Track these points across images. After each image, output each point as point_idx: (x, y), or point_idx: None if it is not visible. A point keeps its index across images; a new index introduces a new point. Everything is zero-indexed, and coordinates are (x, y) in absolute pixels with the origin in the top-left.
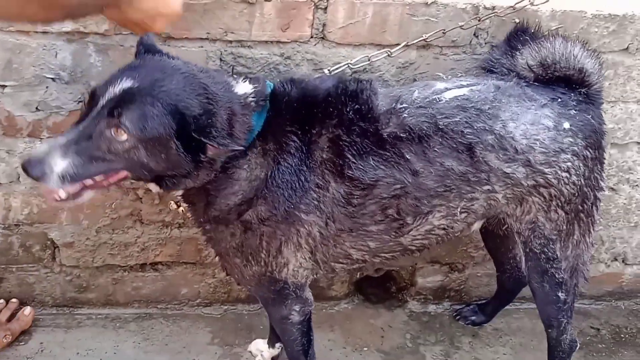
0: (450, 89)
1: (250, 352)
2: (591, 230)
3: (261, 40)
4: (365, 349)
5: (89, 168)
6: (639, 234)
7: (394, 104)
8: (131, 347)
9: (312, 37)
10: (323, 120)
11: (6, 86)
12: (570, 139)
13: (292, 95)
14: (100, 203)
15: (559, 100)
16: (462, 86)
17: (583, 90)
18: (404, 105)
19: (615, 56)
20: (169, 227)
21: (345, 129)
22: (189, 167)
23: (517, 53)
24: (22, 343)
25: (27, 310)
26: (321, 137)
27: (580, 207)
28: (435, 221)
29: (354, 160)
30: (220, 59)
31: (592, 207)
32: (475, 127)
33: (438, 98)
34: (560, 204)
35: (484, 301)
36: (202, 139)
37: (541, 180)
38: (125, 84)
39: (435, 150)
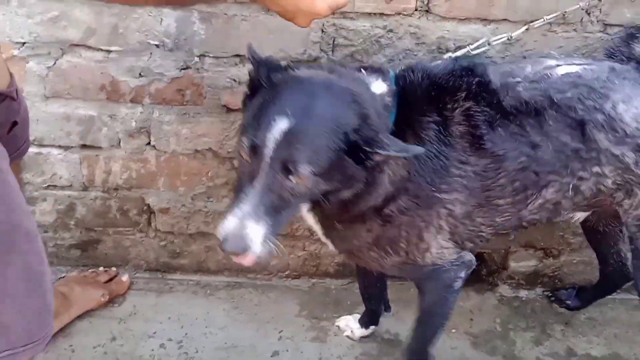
0: (562, 65)
1: (338, 326)
2: None
3: (364, 12)
4: (454, 330)
5: (280, 220)
6: None
7: (508, 78)
8: (221, 314)
9: (416, 9)
10: (453, 95)
11: (111, 51)
12: None
13: (415, 83)
14: (197, 171)
15: None
16: (574, 64)
17: None
18: (518, 79)
19: None
20: None
21: (475, 101)
22: (362, 177)
23: (637, 42)
24: (116, 305)
25: (125, 276)
26: (455, 112)
27: None
28: (548, 195)
29: (487, 131)
30: (322, 31)
31: None
32: (586, 104)
33: (550, 73)
34: None
35: (582, 287)
36: (377, 150)
37: None
38: (281, 125)
39: (551, 124)
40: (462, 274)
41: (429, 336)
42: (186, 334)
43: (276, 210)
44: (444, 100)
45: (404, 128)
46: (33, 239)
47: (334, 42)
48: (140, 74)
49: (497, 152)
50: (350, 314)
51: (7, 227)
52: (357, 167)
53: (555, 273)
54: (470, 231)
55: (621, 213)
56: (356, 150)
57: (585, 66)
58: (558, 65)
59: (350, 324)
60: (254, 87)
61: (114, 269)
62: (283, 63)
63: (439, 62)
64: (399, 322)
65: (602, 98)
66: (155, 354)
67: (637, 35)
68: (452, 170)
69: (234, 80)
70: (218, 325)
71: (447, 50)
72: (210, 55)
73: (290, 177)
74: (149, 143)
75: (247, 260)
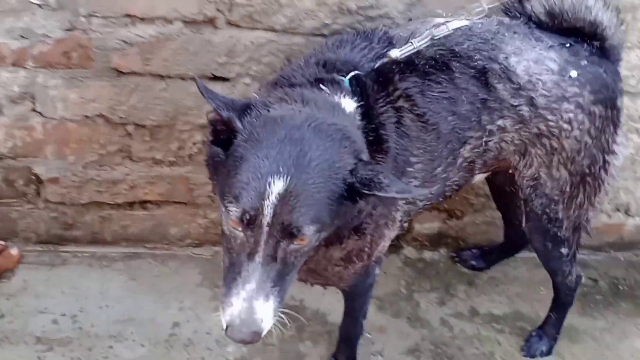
0: (450, 22)
1: None
2: (598, 193)
3: None
4: None
5: (287, 285)
6: None
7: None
8: (118, 286)
9: None
10: (391, 82)
11: None
12: (576, 89)
13: (364, 85)
14: (87, 138)
15: (569, 46)
16: (462, 20)
17: (596, 43)
18: (418, 39)
19: None
20: (159, 164)
21: (405, 77)
22: (355, 212)
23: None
24: (5, 280)
25: (14, 250)
26: (399, 100)
27: (587, 170)
28: (466, 153)
29: (423, 103)
30: None
31: (600, 171)
32: (483, 54)
33: (443, 29)
34: (562, 160)
35: (487, 248)
36: (377, 193)
37: (544, 127)
38: (277, 186)
39: (459, 76)
40: (377, 270)
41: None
42: (81, 308)
43: (282, 278)
44: (389, 92)
45: (373, 140)
46: None
47: (231, 1)
48: (21, 35)
49: (435, 120)
50: None
51: None
52: (353, 206)
53: (459, 234)
54: (412, 209)
55: (517, 176)
56: (355, 192)
57: (475, 22)
58: (447, 22)
59: None
60: (219, 135)
61: (1, 242)
62: (248, 100)
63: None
64: (304, 288)
65: (496, 49)
66: (47, 330)
67: None
68: (412, 159)
69: (125, 42)
70: (115, 298)
71: (349, 11)
72: (98, 15)
73: (295, 242)
74: (34, 109)
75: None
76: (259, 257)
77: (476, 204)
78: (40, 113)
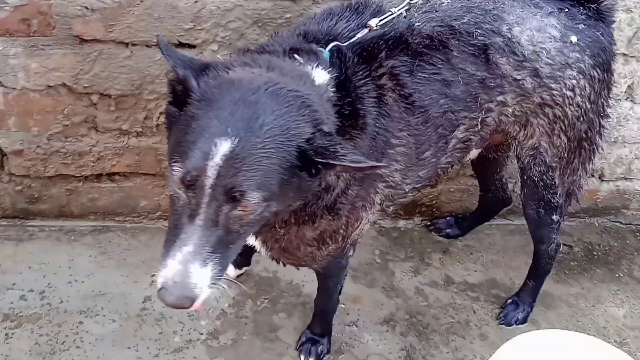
0: None
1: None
2: (592, 158)
3: None
4: None
5: (229, 255)
6: (618, 149)
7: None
8: (87, 261)
9: None
10: (376, 59)
11: None
12: (577, 55)
13: (346, 59)
14: (51, 109)
15: (566, 11)
16: None
17: (593, 5)
18: (413, 16)
19: None
20: (126, 135)
21: (393, 55)
22: (317, 186)
23: None
24: None
25: None
26: (383, 78)
27: (584, 135)
28: (460, 134)
29: (412, 85)
30: None
31: (595, 136)
32: (484, 28)
33: (439, 2)
34: (563, 127)
35: (460, 215)
36: (331, 161)
37: (547, 96)
38: (222, 147)
39: (457, 55)
40: (351, 252)
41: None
42: (49, 283)
43: (224, 245)
44: (372, 68)
45: (348, 114)
46: None
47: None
48: None
49: (424, 103)
50: None
51: None
52: (312, 179)
53: (433, 202)
54: (396, 195)
55: (514, 145)
56: (310, 162)
57: None
58: None
59: None
60: (177, 94)
61: None
62: (209, 60)
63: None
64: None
65: (498, 20)
66: (15, 306)
67: None
68: (393, 141)
69: (86, 8)
70: (84, 273)
71: None
72: None
73: (239, 209)
74: None
75: (191, 308)
76: (199, 220)
77: (450, 172)
78: (0, 83)
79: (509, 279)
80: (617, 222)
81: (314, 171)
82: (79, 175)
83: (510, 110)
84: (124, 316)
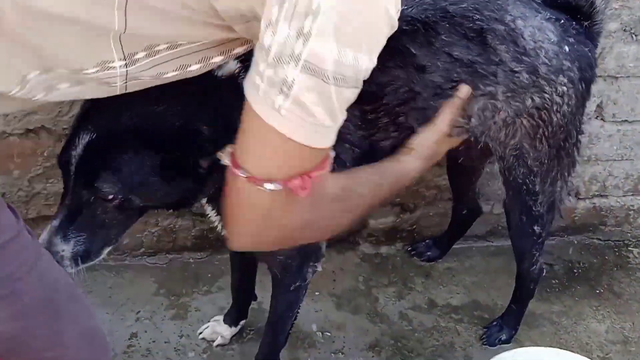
0: None
1: (204, 338)
2: (570, 170)
3: None
4: (317, 293)
5: (97, 239)
6: (591, 167)
7: None
8: None
9: None
10: None
11: None
12: (569, 64)
13: None
14: (31, 151)
15: (561, 22)
16: None
17: (586, 23)
18: None
19: None
20: None
21: None
22: (194, 185)
23: None
24: None
25: None
26: None
27: (561, 144)
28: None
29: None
30: None
31: (573, 148)
32: (485, 15)
33: None
34: (547, 133)
35: (437, 236)
36: (191, 158)
37: (538, 98)
38: (84, 139)
39: (443, 39)
40: (313, 263)
41: (286, 326)
42: None
43: (88, 228)
44: None
45: None
46: (75, 294)
47: None
48: None
49: (383, 94)
50: (210, 287)
51: (49, 292)
52: (181, 177)
53: (413, 227)
54: None
55: (495, 146)
56: (177, 160)
57: None
58: None
59: (217, 330)
60: None
61: None
62: None
63: None
64: (262, 289)
65: (501, 10)
66: None
67: None
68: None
69: None
70: None
71: None
72: None
73: (96, 194)
74: None
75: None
76: (67, 201)
77: (428, 196)
78: None
79: (492, 300)
80: (595, 238)
81: (184, 168)
82: None
83: (498, 104)
84: (111, 353)
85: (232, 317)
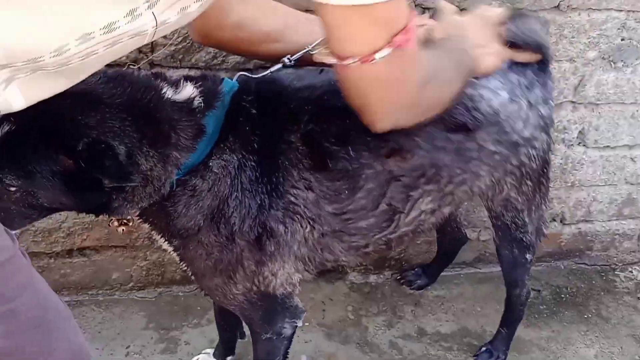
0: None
1: None
2: (548, 190)
3: None
4: (307, 324)
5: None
6: (576, 193)
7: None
8: None
9: None
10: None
11: None
12: (540, 112)
13: (254, 90)
14: None
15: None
16: None
17: (541, 63)
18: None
19: (547, 14)
20: None
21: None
22: (102, 197)
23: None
24: None
25: None
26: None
27: (541, 172)
28: (423, 206)
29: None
30: None
31: (548, 170)
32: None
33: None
34: (530, 177)
35: (426, 264)
36: (93, 172)
37: (515, 162)
38: (4, 128)
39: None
40: (288, 318)
41: None
42: None
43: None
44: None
45: (236, 133)
46: (64, 313)
47: (152, 43)
48: None
49: (347, 168)
50: (200, 320)
51: (41, 312)
52: (82, 189)
53: (402, 255)
54: (325, 258)
55: (483, 201)
56: (82, 172)
57: None
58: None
59: None
60: None
61: None
62: None
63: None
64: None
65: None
66: None
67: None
68: (287, 197)
69: None
70: None
71: None
72: None
73: (3, 186)
74: None
75: None
76: None
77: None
78: None
79: (481, 327)
80: (582, 263)
81: (87, 180)
82: (50, 252)
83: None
84: None
85: (220, 353)
